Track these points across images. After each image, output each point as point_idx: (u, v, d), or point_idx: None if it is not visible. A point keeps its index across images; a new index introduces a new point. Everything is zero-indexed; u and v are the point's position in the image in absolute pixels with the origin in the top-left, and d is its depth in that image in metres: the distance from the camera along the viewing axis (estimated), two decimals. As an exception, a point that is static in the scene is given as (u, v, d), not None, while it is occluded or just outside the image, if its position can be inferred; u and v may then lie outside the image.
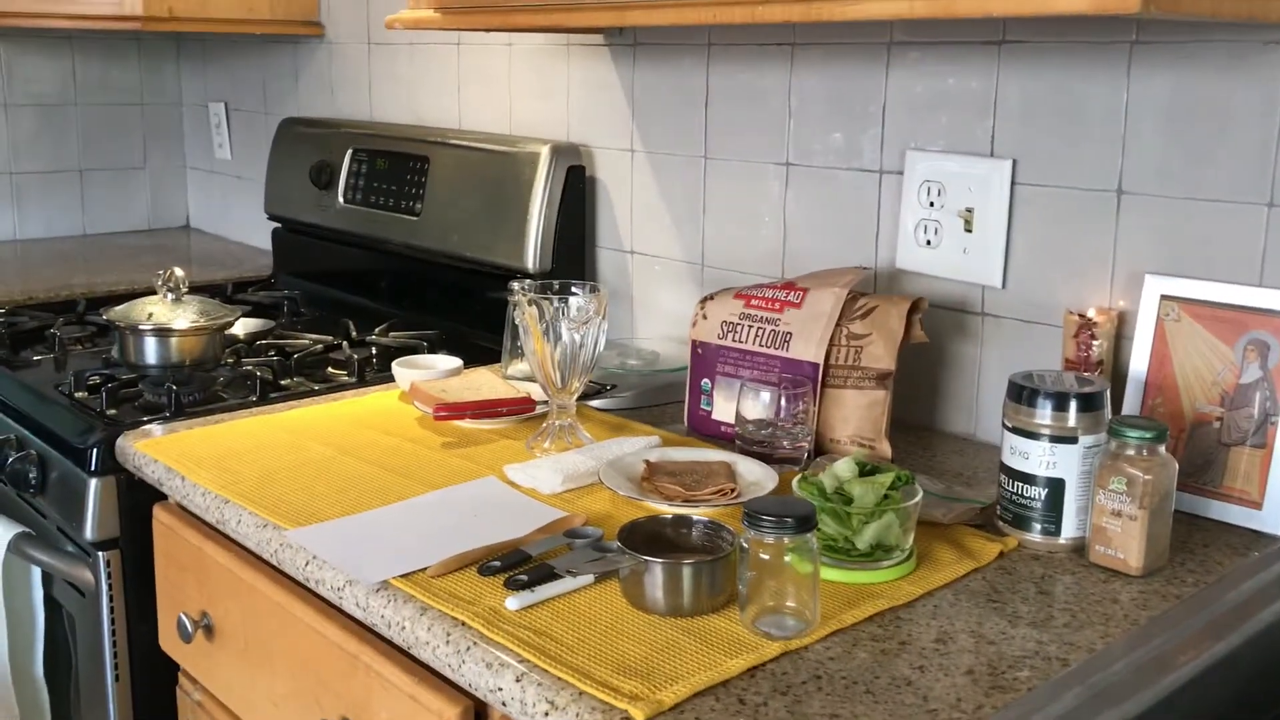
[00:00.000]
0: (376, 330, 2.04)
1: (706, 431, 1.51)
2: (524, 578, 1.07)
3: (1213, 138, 1.26)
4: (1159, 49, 1.29)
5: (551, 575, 1.07)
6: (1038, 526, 1.18)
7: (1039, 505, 1.17)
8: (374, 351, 1.93)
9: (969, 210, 1.47)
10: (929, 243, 1.51)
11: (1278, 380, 1.22)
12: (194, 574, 1.41)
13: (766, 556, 0.98)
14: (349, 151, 2.29)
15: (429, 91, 2.28)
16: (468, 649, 0.98)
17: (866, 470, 1.15)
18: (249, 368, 1.81)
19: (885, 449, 1.39)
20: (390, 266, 2.21)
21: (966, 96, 1.46)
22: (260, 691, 1.31)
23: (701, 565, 1.02)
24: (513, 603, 1.03)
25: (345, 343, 1.96)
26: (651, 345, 1.82)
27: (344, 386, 1.77)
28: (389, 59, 2.37)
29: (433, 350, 1.91)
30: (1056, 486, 1.16)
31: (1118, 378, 1.34)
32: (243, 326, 2.09)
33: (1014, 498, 1.19)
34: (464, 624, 1.01)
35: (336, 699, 1.17)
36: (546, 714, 0.91)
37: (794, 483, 1.14)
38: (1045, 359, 1.40)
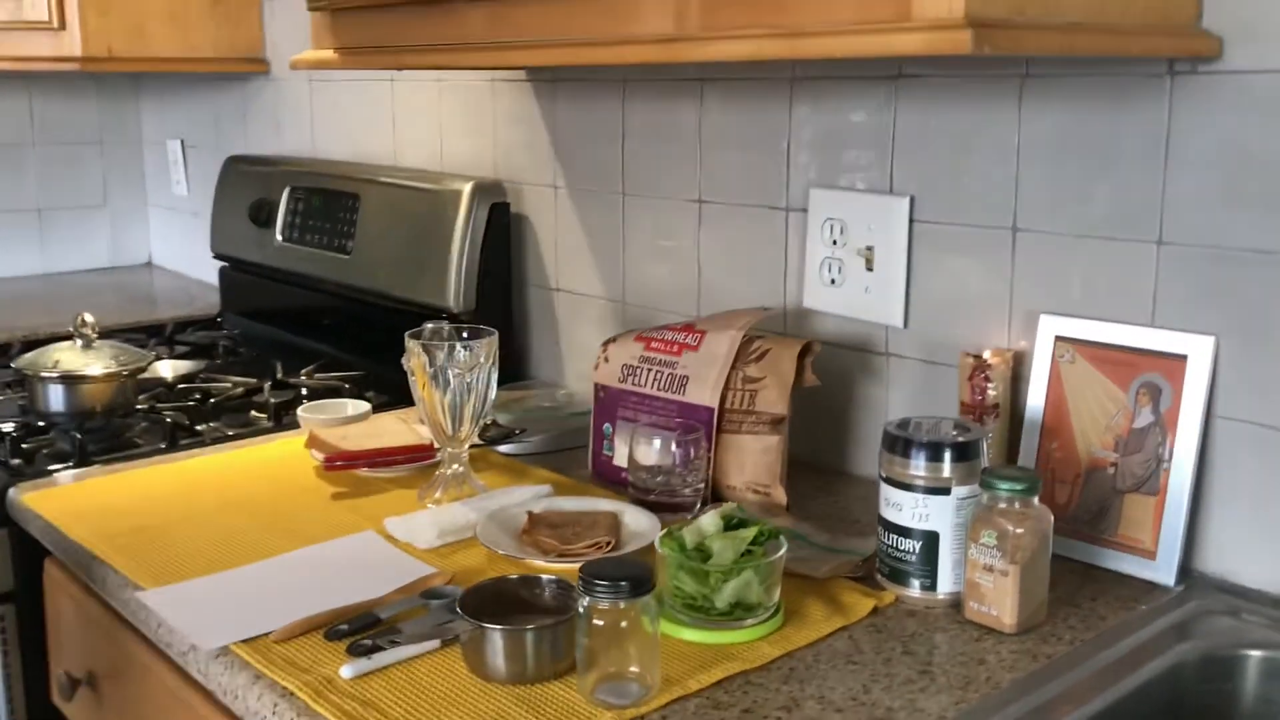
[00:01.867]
0: (303, 372, 2.02)
1: (610, 477, 1.48)
2: (366, 643, 1.03)
3: (1102, 173, 1.22)
4: (1048, 82, 1.25)
5: (395, 641, 1.04)
6: (915, 581, 1.13)
7: (914, 559, 1.13)
8: (301, 393, 1.91)
9: (869, 249, 1.43)
10: (833, 281, 1.48)
11: (1170, 425, 1.18)
12: (80, 630, 1.38)
13: (601, 622, 0.94)
14: (287, 189, 2.28)
15: (366, 128, 2.26)
16: (296, 717, 0.95)
17: (733, 524, 1.11)
18: (164, 413, 1.78)
19: (779, 496, 1.35)
20: (326, 305, 2.19)
21: (866, 132, 1.42)
22: (135, 753, 1.28)
23: (541, 631, 0.98)
24: (347, 671, 0.99)
25: (268, 385, 1.93)
26: (571, 386, 1.79)
27: (260, 431, 1.75)
28: (330, 95, 2.36)
29: (356, 392, 1.88)
30: (930, 540, 1.12)
31: (1016, 421, 1.30)
32: (171, 368, 2.07)
33: (890, 551, 1.14)
34: (292, 694, 0.97)
35: (193, 766, 1.14)
36: (355, 793, 0.87)
37: (656, 538, 1.11)
38: (947, 401, 1.36)
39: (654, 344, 1.45)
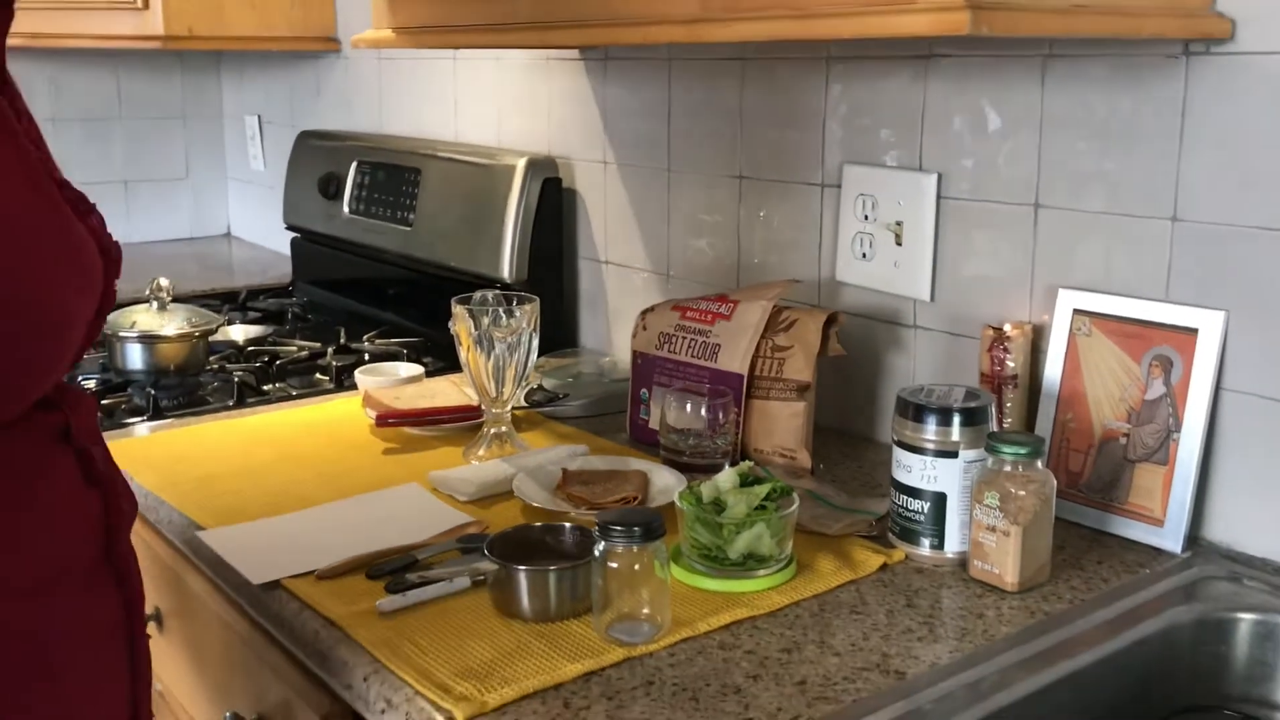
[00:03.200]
0: (365, 337, 2.11)
1: (645, 440, 1.54)
2: (403, 581, 1.11)
3: (1120, 152, 1.25)
4: (1069, 63, 1.29)
5: (430, 580, 1.12)
6: (924, 540, 1.18)
7: (922, 519, 1.18)
8: (364, 357, 2.00)
9: (899, 224, 1.47)
10: (865, 255, 1.52)
11: (1180, 397, 1.21)
12: (148, 569, 1.48)
13: (615, 565, 1.01)
14: (354, 164, 2.37)
15: (429, 105, 2.35)
16: (331, 647, 1.03)
17: (749, 481, 1.17)
18: (233, 373, 1.89)
19: (805, 460, 1.41)
20: (389, 275, 2.28)
21: (897, 110, 1.47)
22: (199, 683, 1.38)
23: (561, 572, 1.06)
24: (384, 604, 1.07)
25: (330, 349, 2.03)
26: (616, 355, 1.86)
27: (322, 392, 1.85)
28: (396, 73, 2.45)
29: (414, 357, 1.97)
30: (939, 500, 1.17)
31: (1034, 392, 1.34)
32: (243, 332, 2.18)
33: (901, 511, 1.20)
34: (332, 624, 1.06)
35: (246, 694, 1.23)
36: (383, 711, 0.95)
37: (677, 492, 1.17)
38: (969, 372, 1.40)
39: (689, 313, 1.51)
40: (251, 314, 2.43)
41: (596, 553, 1.02)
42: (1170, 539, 1.21)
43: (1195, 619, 1.10)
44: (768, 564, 1.13)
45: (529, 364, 1.47)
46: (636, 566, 1.02)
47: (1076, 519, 1.27)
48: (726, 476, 1.17)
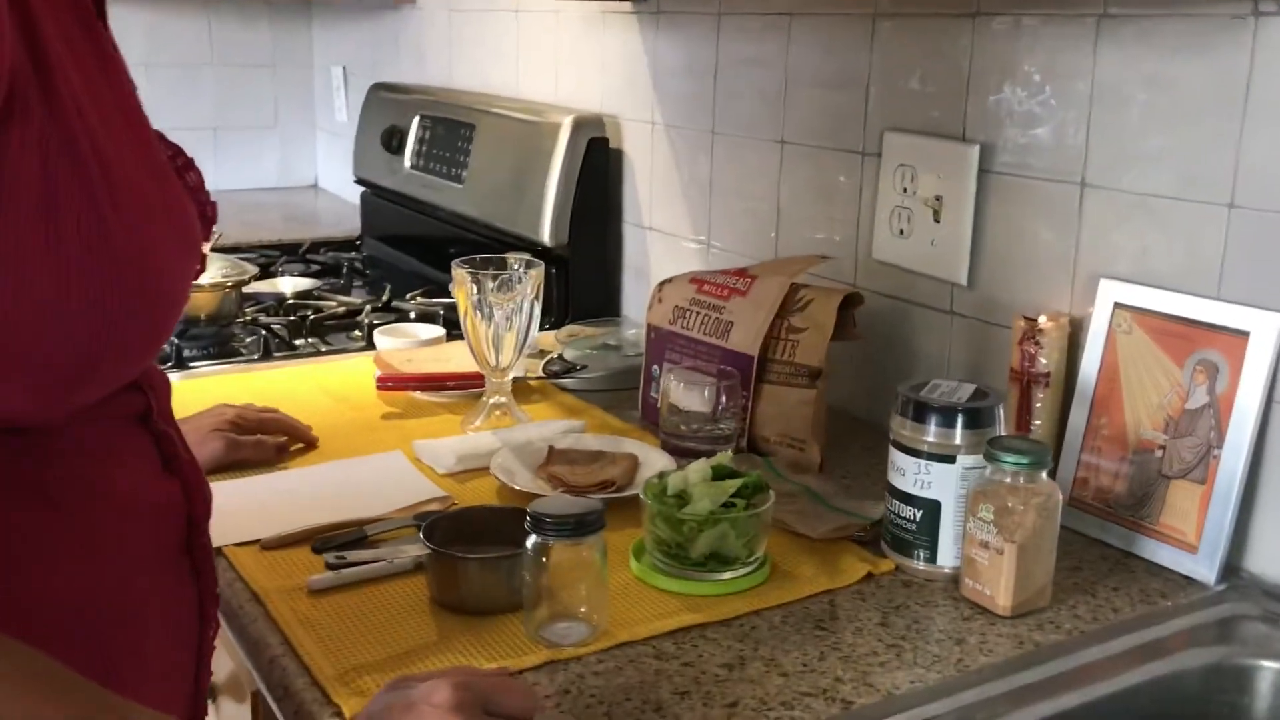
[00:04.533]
0: (409, 295, 2.06)
1: (655, 420, 1.45)
2: (340, 559, 1.05)
3: (1175, 126, 1.10)
4: (1125, 24, 1.14)
5: (371, 559, 1.05)
6: (916, 551, 1.07)
7: (914, 528, 1.06)
8: (410, 316, 1.95)
9: (938, 198, 1.34)
10: (901, 232, 1.40)
11: (1225, 408, 1.06)
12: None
13: (546, 560, 0.93)
14: (416, 117, 2.32)
15: (493, 59, 2.28)
16: (251, 622, 0.98)
17: (723, 474, 1.07)
18: (267, 327, 1.86)
19: (813, 452, 1.30)
20: (444, 233, 2.23)
21: (941, 74, 1.33)
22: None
23: (492, 562, 0.98)
24: (315, 581, 1.01)
25: (368, 306, 1.98)
26: (642, 327, 1.76)
27: (351, 350, 1.80)
28: (465, 26, 2.38)
29: (451, 320, 1.91)
30: (932, 509, 1.05)
31: (1069, 392, 1.20)
32: (292, 285, 2.16)
33: (894, 517, 1.08)
34: (258, 598, 1.00)
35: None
36: (280, 699, 0.89)
37: (643, 483, 1.08)
38: (1006, 366, 1.27)
39: (705, 287, 1.41)
40: (314, 266, 2.40)
41: (528, 546, 0.93)
42: (1204, 567, 1.07)
43: (1212, 663, 0.96)
44: (733, 566, 1.03)
45: (530, 333, 1.39)
46: (572, 563, 0.93)
47: (1101, 536, 1.14)
48: (698, 468, 1.07)
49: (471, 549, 1.01)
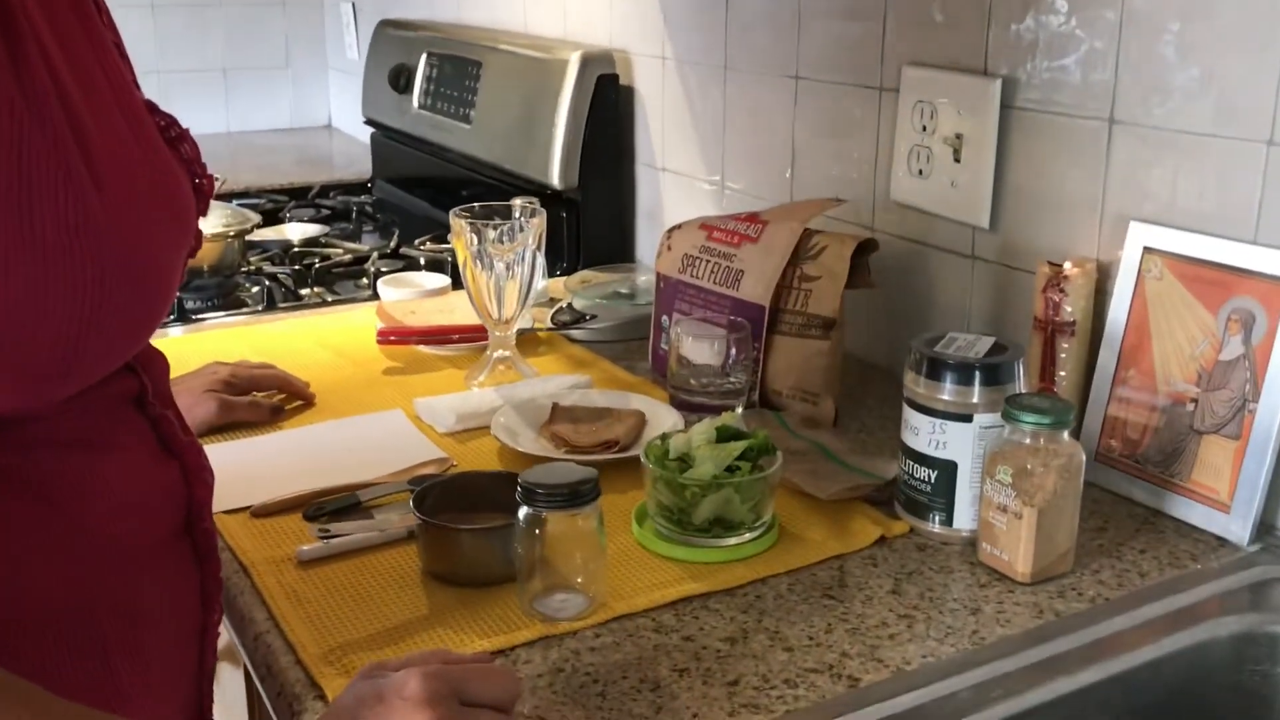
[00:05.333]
0: (417, 241, 2.02)
1: (665, 372, 1.40)
2: (330, 528, 1.01)
3: (1209, 56, 1.03)
4: (1159, -54, 1.06)
5: (361, 528, 1.02)
6: (931, 514, 1.02)
7: (929, 490, 1.01)
8: (419, 263, 1.91)
9: (958, 137, 1.27)
10: (920, 172, 1.33)
11: (1261, 360, 1.00)
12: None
13: (539, 531, 0.89)
14: (424, 55, 2.25)
15: (501, -7, 2.20)
16: (239, 594, 0.94)
17: (728, 435, 1.02)
18: (272, 276, 1.82)
19: (827, 406, 1.25)
20: (454, 175, 2.17)
21: (963, 2, 1.25)
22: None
23: (484, 533, 0.94)
24: (304, 551, 0.98)
25: (375, 254, 1.93)
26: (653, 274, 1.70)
27: (358, 300, 1.76)
28: (473, -42, 2.30)
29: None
30: (948, 470, 1.00)
31: (1095, 342, 1.14)
32: (299, 231, 2.11)
33: (908, 478, 1.03)
34: (245, 569, 0.97)
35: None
36: (263, 678, 0.86)
37: (645, 445, 1.03)
38: (1029, 313, 1.21)
39: (716, 233, 1.35)
40: (323, 211, 2.36)
41: (520, 517, 0.89)
42: (1237, 526, 1.01)
43: (1243, 631, 0.91)
44: (738, 531, 0.98)
45: (533, 283, 1.34)
46: (567, 533, 0.89)
47: (1128, 494, 1.09)
48: (701, 429, 1.02)
49: (465, 517, 0.97)
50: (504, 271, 1.32)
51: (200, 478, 0.79)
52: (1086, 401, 1.14)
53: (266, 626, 0.89)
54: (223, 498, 1.06)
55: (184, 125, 0.79)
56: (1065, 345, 1.15)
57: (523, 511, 0.89)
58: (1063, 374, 1.15)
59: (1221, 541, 1.02)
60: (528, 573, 0.90)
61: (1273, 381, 0.99)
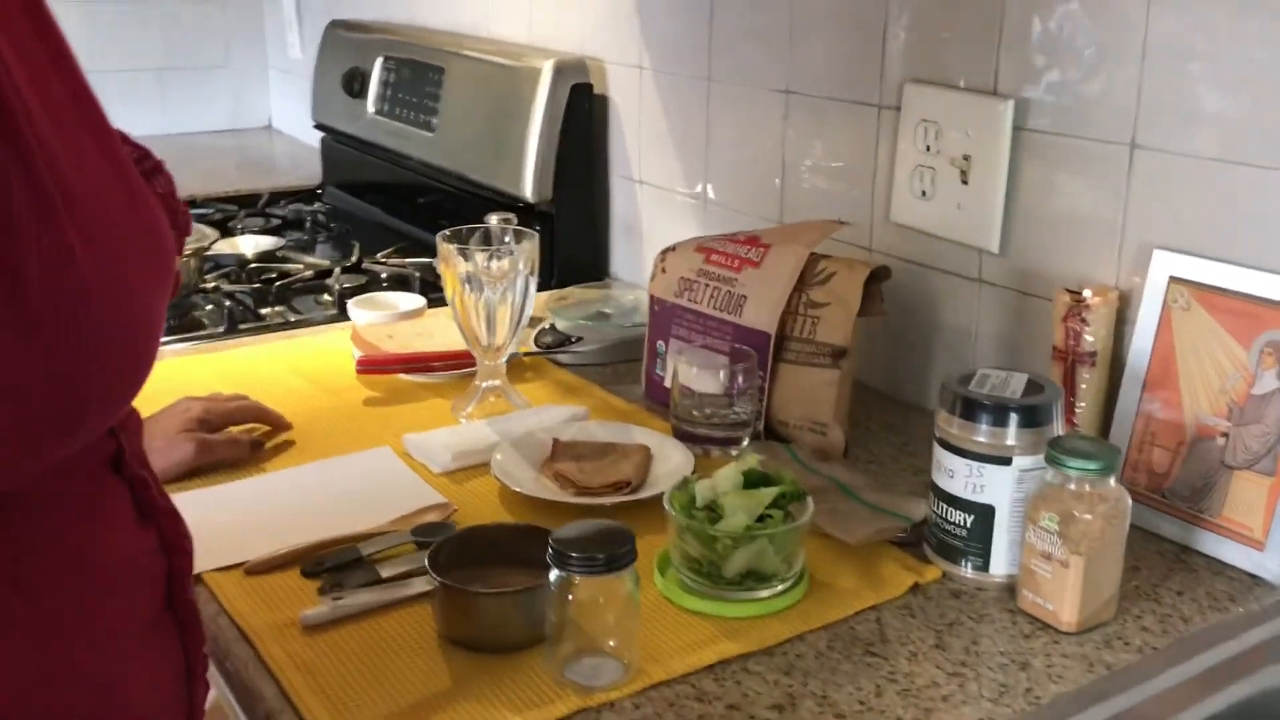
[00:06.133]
0: (380, 255, 1.94)
1: (661, 399, 1.35)
2: (339, 585, 0.95)
3: (1242, 81, 1.00)
4: (1187, -32, 1.03)
5: (370, 583, 0.95)
6: (964, 560, 0.98)
7: (965, 534, 0.97)
8: (381, 278, 1.84)
9: (966, 158, 1.23)
10: (924, 193, 1.29)
11: (1297, 394, 0.98)
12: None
13: (573, 597, 0.83)
14: (380, 59, 2.17)
15: (461, -5, 2.12)
16: (243, 666, 0.88)
17: (755, 479, 0.98)
18: (230, 295, 1.73)
19: (837, 437, 1.21)
20: (414, 183, 2.09)
21: (972, 17, 1.22)
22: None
23: (507, 596, 0.88)
24: (309, 616, 0.91)
25: (338, 270, 1.85)
26: (638, 293, 1.65)
27: (320, 321, 1.68)
28: (428, -42, 2.22)
29: (432, 280, 1.80)
30: (985, 514, 0.96)
31: (1116, 373, 1.11)
32: (254, 244, 2.02)
33: (940, 522, 0.99)
34: (247, 637, 0.90)
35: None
36: (280, 766, 0.79)
37: (665, 494, 0.98)
38: (1041, 341, 1.18)
39: (714, 256, 1.30)
40: (274, 221, 2.26)
41: (551, 580, 0.84)
42: (1273, 564, 0.99)
43: (1296, 681, 0.88)
44: (771, 583, 0.94)
45: (525, 309, 1.28)
46: (600, 595, 0.83)
47: (1155, 529, 1.06)
48: (727, 475, 0.97)
49: (481, 574, 0.92)
50: (495, 297, 1.25)
51: (180, 546, 0.72)
52: (1108, 434, 1.11)
53: (279, 705, 0.82)
54: (212, 553, 1.00)
55: (157, 157, 0.72)
56: (1086, 376, 1.12)
57: (554, 574, 0.83)
58: (1082, 405, 1.12)
59: (1255, 579, 0.99)
60: (557, 636, 0.85)
61: (1310, 418, 0.97)
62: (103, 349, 0.58)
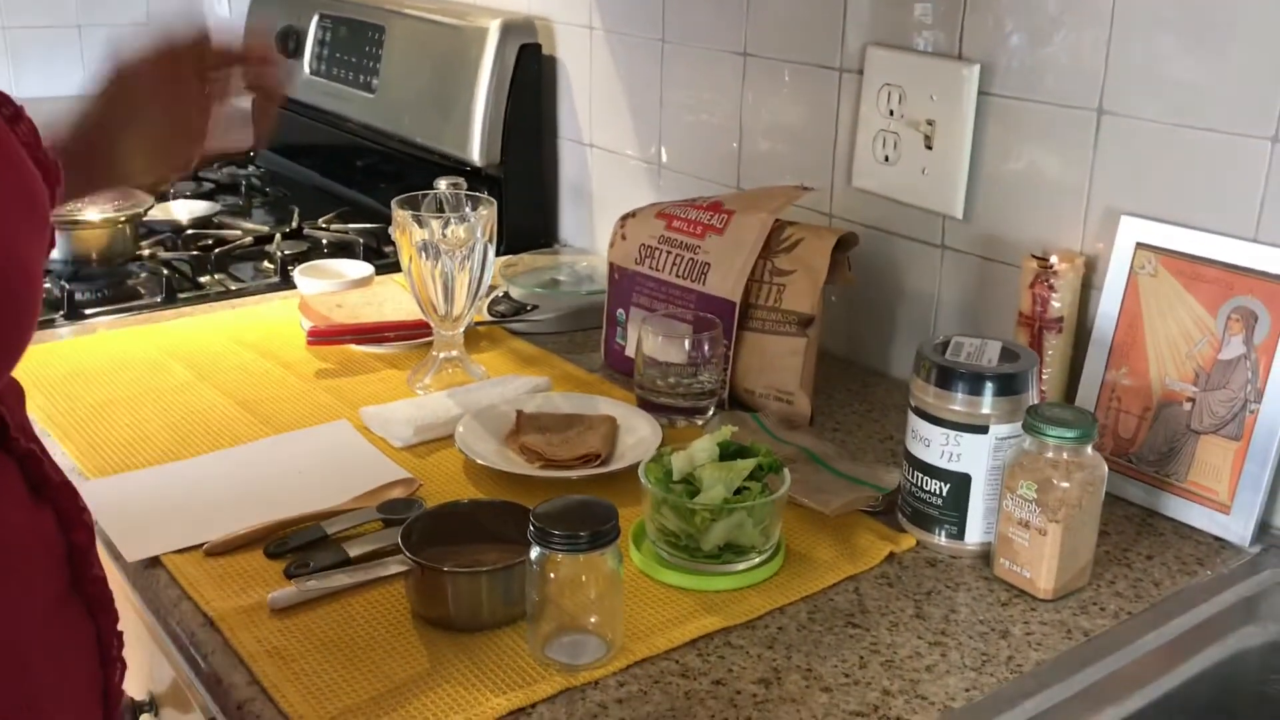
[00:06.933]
0: (321, 220, 1.88)
1: (622, 368, 1.33)
2: (305, 567, 0.92)
3: (1212, 47, 1.00)
4: (1157, -68, 1.02)
5: (338, 563, 0.92)
6: (939, 528, 0.98)
7: (940, 503, 0.97)
8: (322, 244, 1.79)
9: (930, 123, 1.23)
10: (887, 159, 1.28)
11: (1264, 360, 0.99)
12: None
13: (554, 574, 0.81)
14: (316, 17, 2.10)
15: (400, -49, 2.06)
16: (210, 653, 0.84)
17: (730, 451, 0.96)
18: (167, 263, 1.67)
19: (804, 405, 1.20)
20: (353, 146, 2.04)
21: (936, -17, 1.21)
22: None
23: (484, 575, 0.86)
24: (277, 598, 0.88)
25: (279, 235, 1.80)
26: (601, 256, 1.63)
27: (263, 289, 1.63)
28: (364, -87, 2.15)
29: (374, 246, 1.76)
30: (961, 483, 0.96)
31: (1082, 339, 1.12)
32: (187, 210, 1.95)
33: (914, 490, 0.99)
34: (213, 623, 0.87)
35: (137, 669, 1.05)
36: (256, 756, 0.77)
37: (641, 465, 0.96)
38: (1005, 307, 1.18)
39: (676, 223, 1.28)
40: (206, 185, 2.19)
41: (531, 558, 0.82)
42: (1238, 528, 1.00)
43: (1268, 641, 0.90)
44: (748, 556, 0.93)
45: (484, 278, 1.25)
46: (581, 572, 0.82)
47: (1123, 494, 1.07)
48: (703, 447, 0.96)
49: (453, 551, 0.89)
50: (453, 266, 1.22)
51: (79, 520, 0.69)
52: (1074, 400, 1.11)
53: (251, 693, 0.79)
54: (168, 534, 0.97)
55: (17, 101, 0.68)
56: (1053, 342, 1.12)
57: (535, 551, 0.81)
58: (1049, 371, 1.13)
59: (1221, 542, 1.01)
60: (538, 615, 0.83)
61: (1276, 382, 0.98)
62: None
